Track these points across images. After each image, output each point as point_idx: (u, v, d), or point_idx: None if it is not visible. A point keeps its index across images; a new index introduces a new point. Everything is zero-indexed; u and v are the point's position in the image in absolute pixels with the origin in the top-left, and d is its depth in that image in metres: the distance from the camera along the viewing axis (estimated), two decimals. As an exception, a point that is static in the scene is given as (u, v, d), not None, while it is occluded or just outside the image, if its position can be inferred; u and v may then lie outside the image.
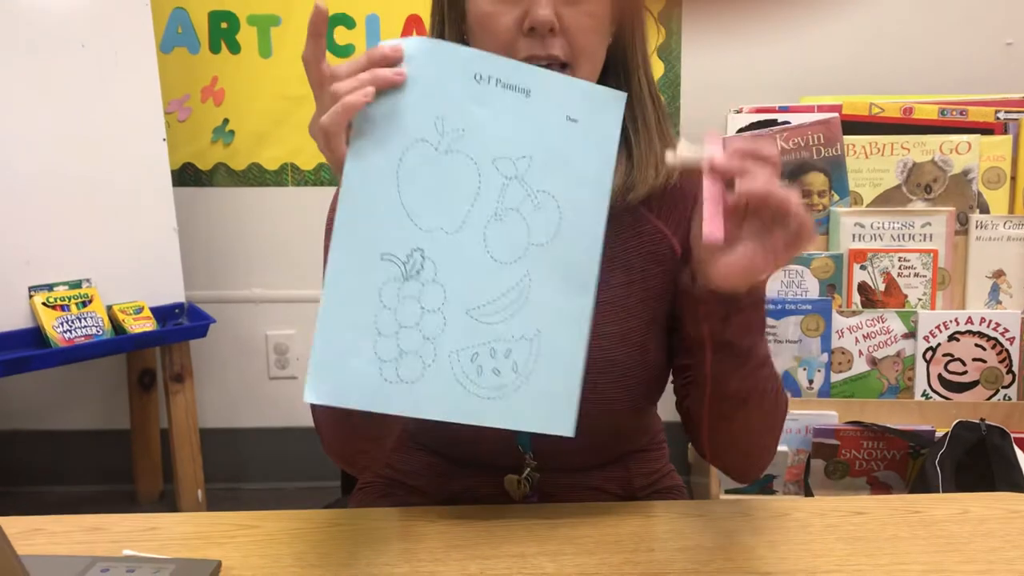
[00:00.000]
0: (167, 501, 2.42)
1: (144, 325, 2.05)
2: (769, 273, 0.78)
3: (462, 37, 0.96)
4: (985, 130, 1.99)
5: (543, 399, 0.78)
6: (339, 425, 0.91)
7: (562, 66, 0.89)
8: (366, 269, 0.74)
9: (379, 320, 0.74)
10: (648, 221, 0.98)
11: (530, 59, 0.88)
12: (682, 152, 0.77)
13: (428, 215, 0.75)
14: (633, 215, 0.97)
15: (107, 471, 2.48)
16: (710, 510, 0.98)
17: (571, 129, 0.78)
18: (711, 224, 0.73)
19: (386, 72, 0.74)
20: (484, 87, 0.76)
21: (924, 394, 1.96)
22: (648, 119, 0.96)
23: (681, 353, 0.98)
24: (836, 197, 1.99)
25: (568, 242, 0.78)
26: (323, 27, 0.74)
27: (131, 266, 2.08)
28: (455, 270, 0.76)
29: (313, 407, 0.95)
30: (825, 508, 0.97)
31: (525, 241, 0.77)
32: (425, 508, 0.99)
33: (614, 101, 0.80)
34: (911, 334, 1.95)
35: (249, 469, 2.49)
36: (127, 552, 0.89)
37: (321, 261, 1.03)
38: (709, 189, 0.74)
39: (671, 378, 1.02)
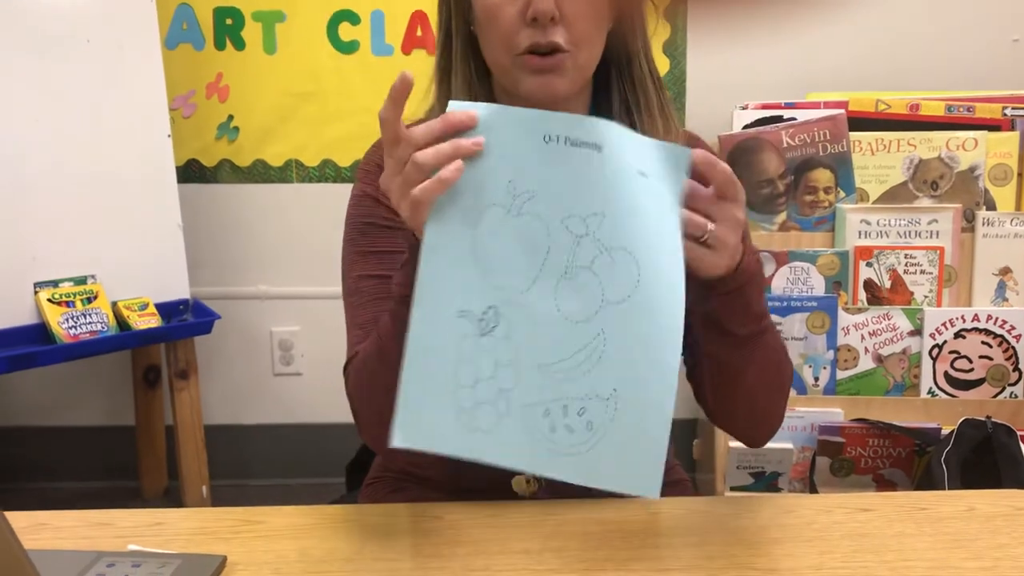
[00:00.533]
0: (172, 497, 2.42)
1: (149, 321, 2.05)
2: (731, 256, 0.82)
3: (468, 28, 0.99)
4: (992, 127, 1.98)
5: (623, 458, 0.78)
6: (375, 399, 0.91)
7: (561, 52, 0.92)
8: (445, 325, 0.77)
9: (458, 372, 0.78)
10: None
11: (532, 47, 0.92)
12: None
13: (501, 274, 0.78)
14: None
15: (112, 467, 2.48)
16: (715, 506, 0.98)
17: (642, 184, 0.78)
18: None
19: (466, 143, 0.77)
20: (553, 147, 0.77)
21: (930, 391, 1.95)
22: (651, 103, 0.99)
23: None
24: (842, 194, 1.98)
25: (648, 299, 0.77)
26: (405, 95, 0.76)
27: (136, 262, 2.08)
28: (526, 327, 0.78)
29: (348, 393, 0.98)
30: (831, 505, 0.97)
31: (599, 299, 0.78)
32: (431, 503, 0.99)
33: (682, 156, 0.79)
34: (917, 331, 1.95)
35: (254, 466, 2.50)
36: (132, 547, 0.89)
37: (336, 258, 1.05)
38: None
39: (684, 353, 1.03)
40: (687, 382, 1.03)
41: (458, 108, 0.78)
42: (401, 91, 0.76)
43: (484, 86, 1.00)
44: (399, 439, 0.78)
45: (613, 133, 0.78)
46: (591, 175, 0.77)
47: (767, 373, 0.95)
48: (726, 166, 0.80)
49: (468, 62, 0.99)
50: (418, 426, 0.78)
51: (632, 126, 0.97)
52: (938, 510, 0.95)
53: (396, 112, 0.77)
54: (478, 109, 0.78)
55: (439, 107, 1.00)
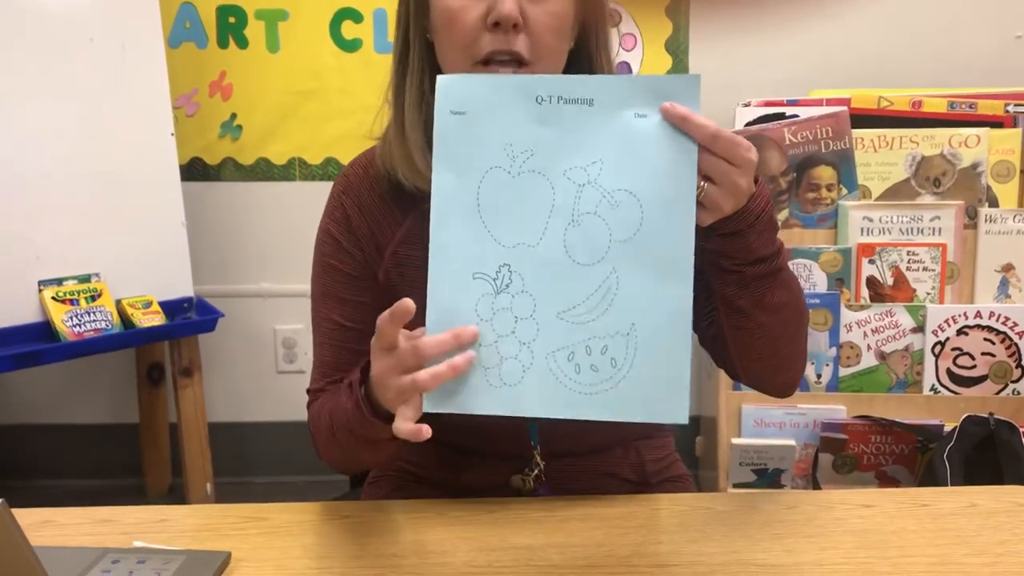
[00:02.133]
0: (176, 495, 2.42)
1: (153, 319, 2.06)
2: (729, 203, 0.82)
3: (425, 35, 0.97)
4: (994, 123, 1.98)
5: (648, 389, 0.79)
6: (331, 446, 0.97)
7: (520, 64, 0.91)
8: (461, 289, 0.81)
9: (480, 332, 0.80)
10: None
11: (492, 54, 0.90)
12: None
13: (510, 233, 0.81)
14: None
15: (116, 465, 2.49)
16: (717, 502, 0.99)
17: (641, 125, 0.79)
18: None
19: (468, 333, 0.80)
20: (546, 107, 0.80)
21: (932, 388, 1.95)
22: None
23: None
24: (844, 191, 1.98)
25: (655, 234, 0.79)
26: (406, 319, 0.80)
27: (140, 260, 2.09)
28: (541, 279, 0.80)
29: (309, 419, 1.02)
30: (833, 501, 0.97)
31: (607, 241, 0.80)
32: (434, 501, 0.99)
33: (690, 84, 0.80)
34: (920, 328, 1.95)
35: (258, 463, 2.50)
36: (137, 543, 0.90)
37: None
38: None
39: (698, 319, 1.02)
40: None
41: (453, 103, 0.80)
42: (401, 315, 0.79)
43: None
44: (429, 405, 0.80)
45: (606, 84, 0.80)
46: (586, 127, 0.80)
47: (783, 314, 0.93)
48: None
49: (424, 73, 0.97)
50: (445, 390, 0.80)
51: None
52: (940, 506, 0.96)
53: (395, 327, 0.80)
54: (470, 81, 0.82)
55: (393, 115, 0.99)
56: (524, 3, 0.89)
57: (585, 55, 0.98)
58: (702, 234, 0.84)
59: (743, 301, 0.91)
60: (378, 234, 1.02)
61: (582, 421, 0.90)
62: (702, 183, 0.80)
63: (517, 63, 0.91)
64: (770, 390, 1.02)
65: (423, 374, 0.78)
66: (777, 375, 1.00)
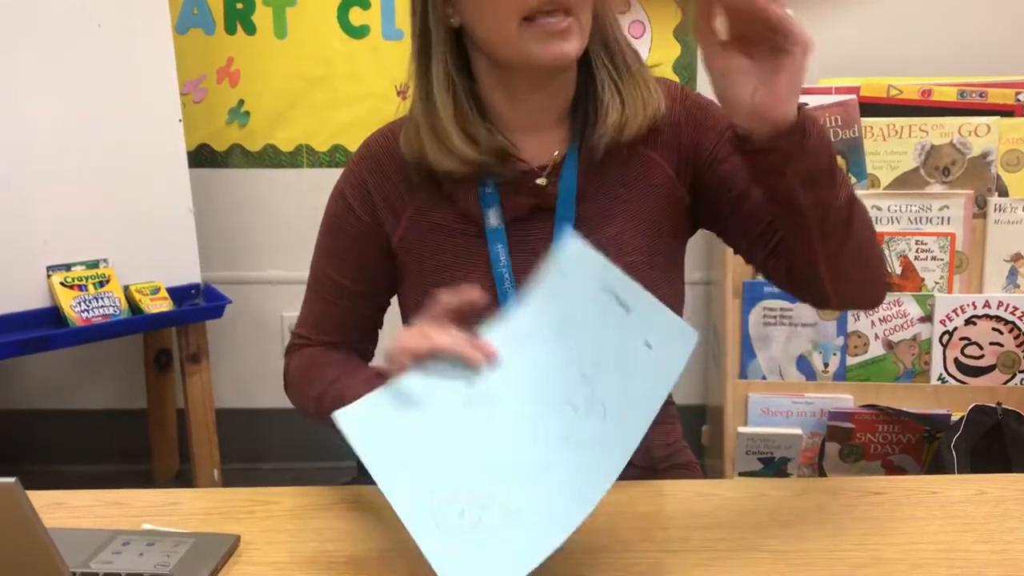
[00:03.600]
0: (183, 481, 2.43)
1: (161, 305, 2.06)
2: (785, 98, 0.79)
3: (447, 22, 0.97)
4: (1004, 112, 1.97)
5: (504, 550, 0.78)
6: (306, 405, 1.07)
7: (567, 13, 0.92)
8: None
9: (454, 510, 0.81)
10: (641, 153, 1.04)
11: (541, 5, 0.90)
12: None
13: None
14: (628, 149, 1.02)
15: (124, 451, 2.50)
16: (724, 489, 0.99)
17: (644, 354, 0.84)
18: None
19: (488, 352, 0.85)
20: (606, 297, 0.85)
21: (940, 378, 1.95)
22: (632, 68, 1.01)
23: (752, 224, 1.01)
24: (853, 180, 1.97)
25: (598, 450, 0.81)
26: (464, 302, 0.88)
27: (148, 247, 2.09)
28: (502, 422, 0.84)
29: (288, 364, 1.12)
30: (841, 488, 0.97)
31: (565, 436, 0.82)
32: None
33: (688, 337, 0.84)
34: (927, 318, 1.94)
35: (265, 449, 2.51)
36: (146, 526, 0.90)
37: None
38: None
39: (762, 262, 1.03)
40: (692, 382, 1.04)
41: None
42: (465, 297, 0.87)
43: (464, 85, 0.99)
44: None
45: (645, 301, 0.85)
46: (612, 329, 0.85)
47: (860, 214, 0.91)
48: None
49: (448, 59, 0.98)
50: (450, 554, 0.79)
51: (617, 87, 1.00)
52: (948, 494, 0.96)
53: (450, 303, 0.88)
54: (569, 244, 0.88)
55: (420, 105, 1.00)
56: None
57: (596, 19, 0.98)
58: (790, 147, 0.82)
59: (841, 206, 0.87)
60: (395, 200, 1.05)
61: None
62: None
63: (563, 12, 0.91)
64: (863, 302, 1.02)
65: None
66: (872, 280, 0.97)
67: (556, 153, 1.03)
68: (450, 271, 1.03)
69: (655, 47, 2.29)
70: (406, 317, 1.09)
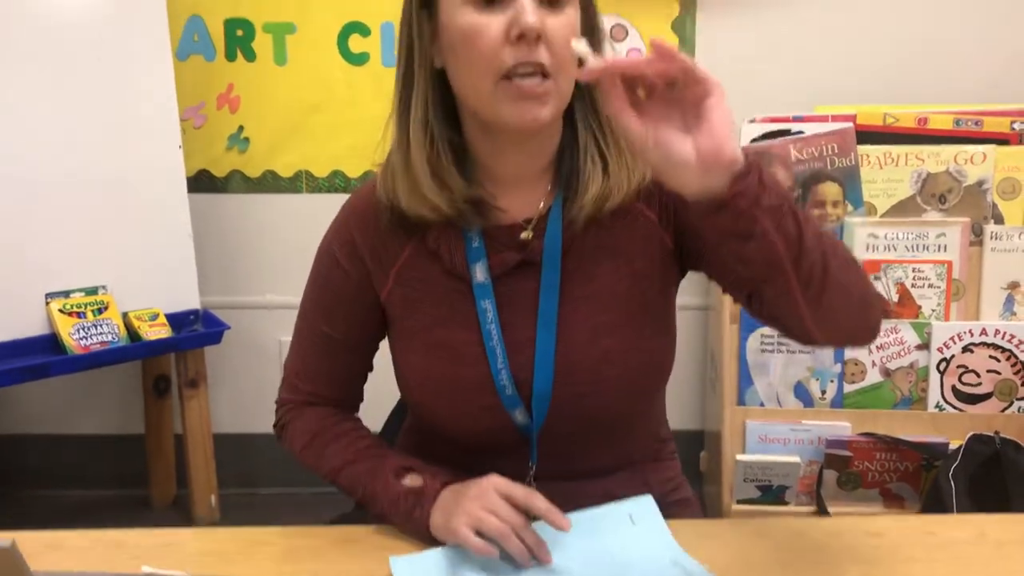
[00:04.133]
0: (181, 506, 2.43)
1: (159, 332, 2.06)
2: (726, 137, 0.77)
3: (431, 62, 0.96)
4: (1000, 140, 1.98)
5: None
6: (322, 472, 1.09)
7: (544, 76, 0.90)
8: None
9: None
10: (636, 211, 1.02)
11: (516, 67, 0.89)
12: (576, 46, 0.84)
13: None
14: (620, 208, 1.00)
15: (122, 476, 2.49)
16: (724, 529, 0.99)
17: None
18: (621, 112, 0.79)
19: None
20: (675, 570, 0.90)
21: (938, 406, 1.95)
22: (617, 132, 0.98)
23: (727, 278, 1.00)
24: (850, 207, 1.98)
25: None
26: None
27: (147, 273, 2.10)
28: None
29: (288, 432, 1.15)
30: (841, 528, 0.97)
31: None
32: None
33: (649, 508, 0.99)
34: (925, 345, 1.95)
35: (263, 474, 2.50)
36: (146, 569, 0.90)
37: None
38: (607, 87, 0.79)
39: (745, 300, 0.96)
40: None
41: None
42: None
43: (442, 130, 0.97)
44: None
45: (653, 522, 0.96)
46: (619, 539, 0.95)
47: (839, 255, 0.87)
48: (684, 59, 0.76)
49: (428, 101, 0.97)
50: None
51: (602, 159, 0.98)
52: (948, 535, 0.96)
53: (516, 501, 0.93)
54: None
55: (396, 145, 0.99)
56: (542, 14, 0.89)
57: (586, 88, 0.97)
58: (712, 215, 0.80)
59: (814, 247, 0.83)
60: (382, 255, 1.04)
61: (584, 441, 0.99)
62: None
63: (541, 75, 0.90)
64: (856, 340, 0.96)
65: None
66: (862, 318, 0.93)
67: (541, 205, 1.01)
68: (438, 327, 1.02)
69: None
70: (398, 368, 1.08)
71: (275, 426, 1.17)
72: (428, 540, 0.93)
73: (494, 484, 0.93)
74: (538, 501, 0.91)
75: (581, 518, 0.94)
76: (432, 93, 0.97)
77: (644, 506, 0.97)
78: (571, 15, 0.92)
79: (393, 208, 1.00)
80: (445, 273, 1.02)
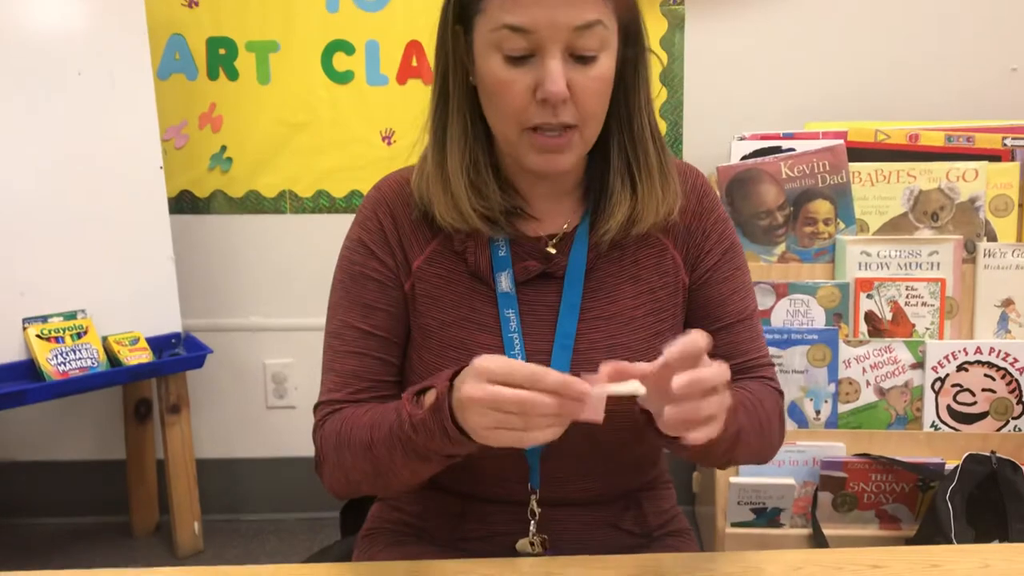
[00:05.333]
0: (163, 533, 2.38)
1: (140, 356, 2.02)
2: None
3: (468, 80, 0.97)
4: (992, 157, 1.97)
5: None
6: (356, 462, 0.95)
7: (570, 128, 0.92)
8: None
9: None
10: (663, 245, 1.03)
11: (541, 127, 0.91)
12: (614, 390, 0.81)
13: None
14: (647, 236, 1.02)
15: (103, 502, 2.44)
16: (720, 563, 0.96)
17: None
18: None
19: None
20: None
21: (933, 425, 1.93)
22: (650, 159, 0.99)
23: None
24: (842, 225, 1.96)
25: None
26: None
27: (127, 296, 2.06)
28: None
29: (318, 443, 1.01)
30: (840, 561, 0.94)
31: None
32: (432, 561, 0.96)
33: None
34: (919, 364, 1.92)
35: (247, 500, 2.45)
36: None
37: (325, 289, 1.06)
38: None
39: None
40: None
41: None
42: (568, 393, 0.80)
43: (480, 142, 0.99)
44: None
45: None
46: None
47: (753, 440, 1.00)
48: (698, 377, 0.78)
49: (467, 117, 0.98)
50: None
51: (631, 183, 0.99)
52: (951, 566, 0.93)
53: (545, 384, 0.80)
54: None
55: (432, 155, 0.99)
56: (569, 72, 0.90)
57: (623, 95, 0.97)
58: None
59: (721, 455, 0.98)
60: (407, 248, 1.03)
61: (584, 466, 0.98)
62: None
63: (565, 128, 0.92)
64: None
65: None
66: (758, 462, 1.08)
67: (567, 225, 1.02)
68: (456, 327, 1.00)
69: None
70: (408, 365, 1.04)
71: (314, 432, 1.06)
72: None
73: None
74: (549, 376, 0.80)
75: None
76: (469, 108, 0.98)
77: None
78: (604, 65, 0.92)
79: (422, 208, 1.01)
80: (468, 276, 1.01)
